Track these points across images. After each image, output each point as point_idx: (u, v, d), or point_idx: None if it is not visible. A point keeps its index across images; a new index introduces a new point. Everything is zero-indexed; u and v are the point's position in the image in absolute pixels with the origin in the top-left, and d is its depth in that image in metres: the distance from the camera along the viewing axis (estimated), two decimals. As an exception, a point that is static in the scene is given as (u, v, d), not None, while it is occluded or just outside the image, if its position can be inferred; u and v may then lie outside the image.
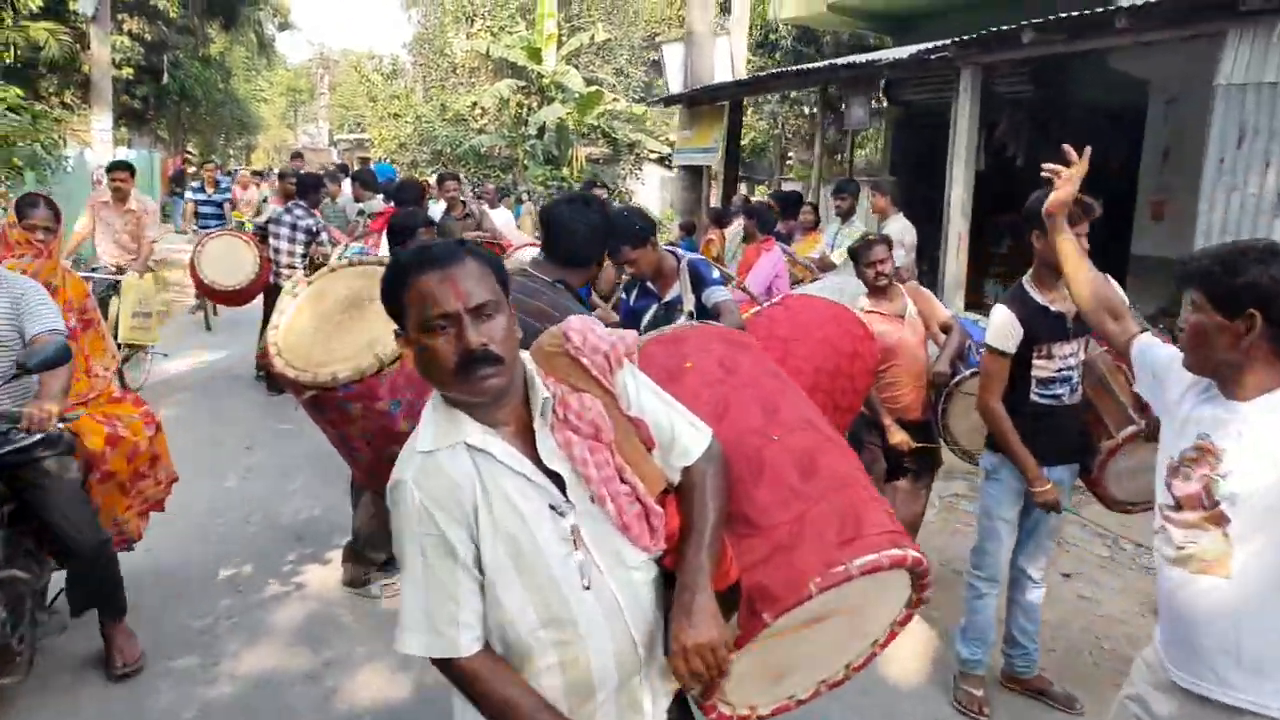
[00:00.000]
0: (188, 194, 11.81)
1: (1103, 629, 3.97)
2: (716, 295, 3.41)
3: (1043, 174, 2.48)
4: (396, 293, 1.47)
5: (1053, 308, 3.05)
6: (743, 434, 1.72)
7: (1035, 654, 3.39)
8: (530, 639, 1.45)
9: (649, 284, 3.59)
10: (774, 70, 13.25)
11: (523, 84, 19.79)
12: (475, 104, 20.88)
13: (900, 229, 6.50)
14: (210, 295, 7.90)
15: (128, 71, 18.88)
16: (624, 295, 3.82)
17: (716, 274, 3.57)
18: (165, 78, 20.74)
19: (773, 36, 16.32)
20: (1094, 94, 8.92)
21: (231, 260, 7.33)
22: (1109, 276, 3.36)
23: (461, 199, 7.29)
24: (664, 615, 1.55)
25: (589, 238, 2.79)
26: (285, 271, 7.00)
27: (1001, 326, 3.08)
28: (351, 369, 2.47)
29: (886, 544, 1.55)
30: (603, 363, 1.54)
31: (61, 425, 2.93)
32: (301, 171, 8.84)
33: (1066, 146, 2.47)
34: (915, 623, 2.53)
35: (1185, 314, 2.06)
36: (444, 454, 1.45)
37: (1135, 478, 3.16)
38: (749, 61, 14.65)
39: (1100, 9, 5.99)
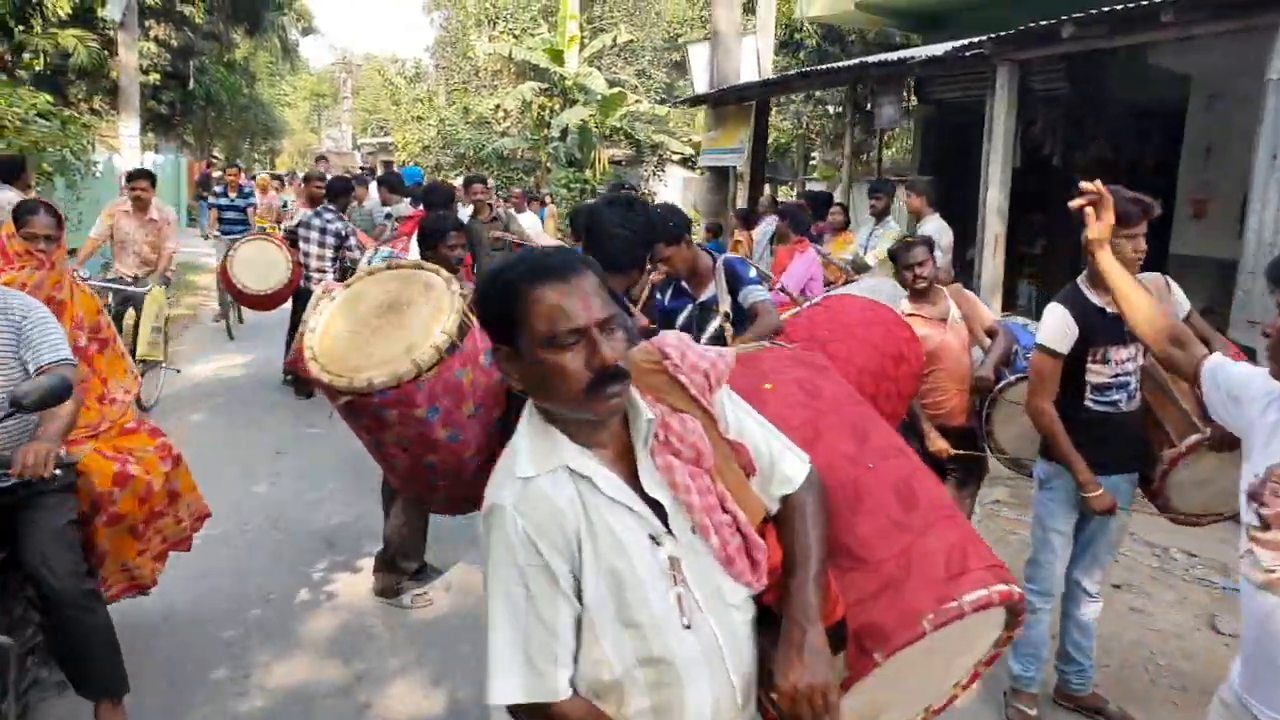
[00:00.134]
0: (210, 199, 11.85)
1: (1157, 644, 3.83)
2: (754, 295, 3.28)
3: (1072, 214, 2.32)
4: (507, 306, 1.34)
5: (1109, 309, 2.91)
6: (836, 461, 1.62)
7: (1091, 670, 3.28)
8: (625, 680, 1.33)
9: (684, 283, 3.47)
10: (802, 69, 13.12)
11: (545, 86, 19.77)
12: (498, 107, 20.95)
13: (936, 229, 6.34)
14: (242, 300, 7.90)
15: (155, 77, 19.16)
16: (658, 295, 3.70)
17: (754, 273, 3.43)
18: (191, 83, 21.02)
19: (797, 36, 16.18)
20: (1131, 90, 8.70)
21: (264, 264, 7.32)
22: (1165, 276, 3.24)
23: (489, 202, 7.25)
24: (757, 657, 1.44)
25: (632, 241, 2.67)
26: (315, 276, 6.98)
27: (1056, 325, 2.96)
28: (388, 375, 2.37)
29: (993, 579, 1.47)
30: (702, 382, 1.44)
31: (59, 472, 2.56)
32: (329, 175, 8.84)
33: (1083, 184, 2.29)
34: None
35: (1274, 318, 1.93)
36: (545, 479, 1.34)
37: (1200, 489, 3.02)
38: (773, 62, 14.53)
39: (1145, 1, 5.81)
